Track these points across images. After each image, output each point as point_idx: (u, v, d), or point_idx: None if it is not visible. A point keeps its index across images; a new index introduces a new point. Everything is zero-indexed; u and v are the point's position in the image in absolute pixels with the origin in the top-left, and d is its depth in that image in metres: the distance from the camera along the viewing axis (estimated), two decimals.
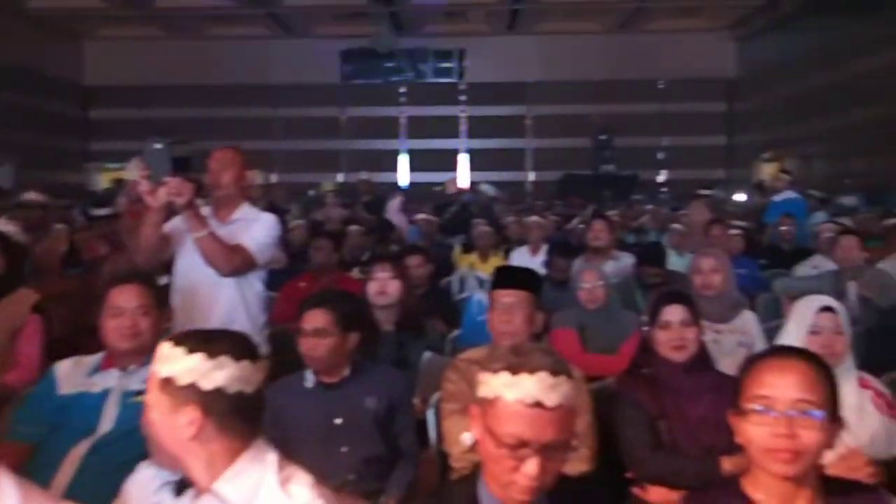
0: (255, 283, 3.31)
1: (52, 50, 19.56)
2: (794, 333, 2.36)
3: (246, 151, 3.52)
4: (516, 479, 1.31)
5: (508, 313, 2.49)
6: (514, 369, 1.33)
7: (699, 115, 22.24)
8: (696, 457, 2.29)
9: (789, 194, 8.03)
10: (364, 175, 12.48)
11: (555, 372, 1.33)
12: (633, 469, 2.35)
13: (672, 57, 21.53)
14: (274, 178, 20.08)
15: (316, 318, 2.51)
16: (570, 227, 7.91)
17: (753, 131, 20.98)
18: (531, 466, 1.29)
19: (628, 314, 3.77)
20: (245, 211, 3.30)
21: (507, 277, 2.64)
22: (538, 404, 1.30)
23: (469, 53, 22.27)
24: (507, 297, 2.51)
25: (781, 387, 1.35)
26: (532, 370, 1.33)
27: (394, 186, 16.14)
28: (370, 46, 20.90)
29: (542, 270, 5.36)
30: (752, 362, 1.47)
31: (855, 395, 2.26)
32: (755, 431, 1.36)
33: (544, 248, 5.85)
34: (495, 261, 6.42)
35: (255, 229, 3.23)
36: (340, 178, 19.96)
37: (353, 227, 6.54)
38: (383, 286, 3.49)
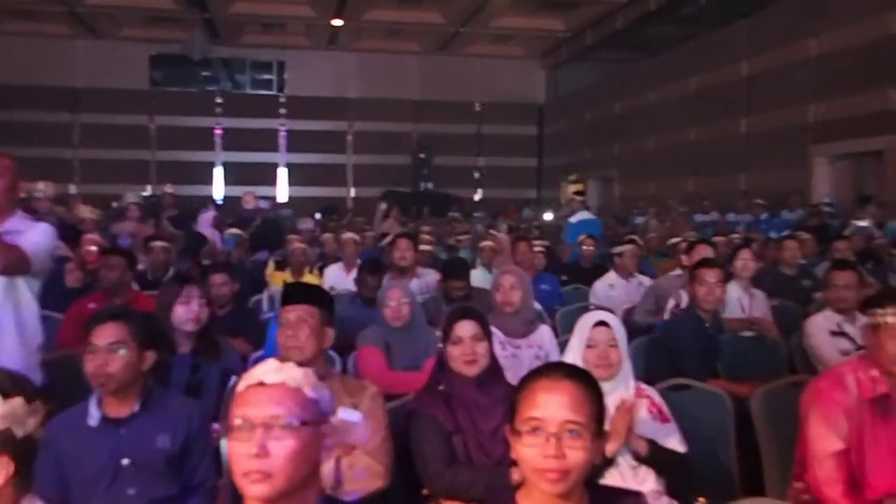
0: (25, 295, 2.96)
1: None
2: (575, 348, 2.52)
3: (41, 160, 3.20)
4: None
5: (293, 329, 2.44)
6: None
7: (512, 138, 23.36)
8: (489, 470, 2.36)
9: (584, 215, 8.57)
10: (168, 188, 11.79)
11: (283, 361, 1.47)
12: (428, 485, 2.38)
13: (488, 81, 22.50)
14: (73, 189, 18.64)
15: (108, 332, 2.30)
16: (383, 244, 7.97)
17: (560, 154, 22.34)
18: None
19: (433, 331, 3.82)
20: (16, 223, 2.96)
21: (293, 293, 2.59)
22: (260, 384, 1.40)
23: (289, 66, 21.95)
24: (293, 312, 2.47)
25: (552, 408, 1.39)
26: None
27: (208, 200, 15.51)
28: (182, 53, 20.01)
29: (348, 287, 5.37)
30: (526, 381, 1.49)
31: (629, 403, 2.44)
32: (527, 452, 1.40)
33: (352, 265, 5.85)
34: (310, 278, 6.32)
35: (30, 234, 2.92)
36: (149, 189, 18.81)
37: (157, 243, 6.17)
38: (189, 310, 3.24)
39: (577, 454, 1.37)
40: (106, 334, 2.32)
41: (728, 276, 4.00)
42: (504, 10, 17.75)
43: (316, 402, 1.44)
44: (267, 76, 22.11)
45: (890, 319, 2.16)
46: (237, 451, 1.36)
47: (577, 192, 9.28)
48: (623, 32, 17.69)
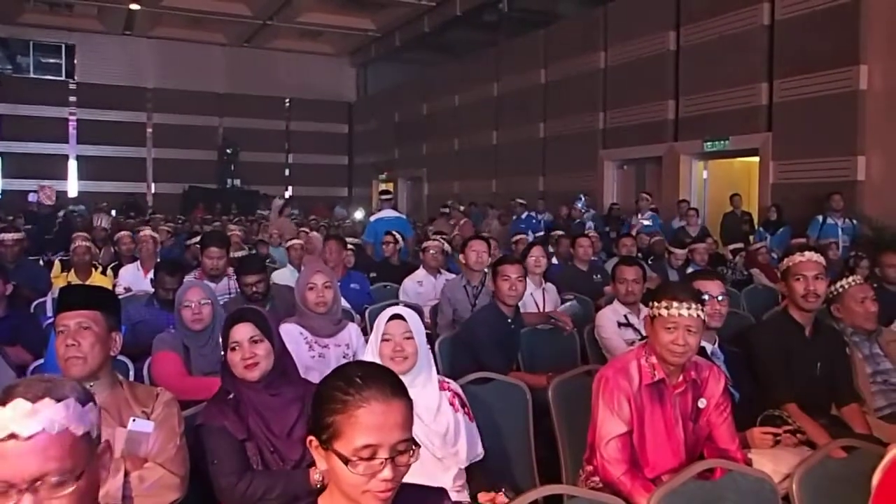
0: None
1: None
2: (372, 343, 2.54)
3: None
4: None
5: (74, 337, 2.24)
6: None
7: (323, 135, 23.16)
8: (286, 474, 2.30)
9: (387, 213, 8.67)
10: None
11: (35, 397, 1.19)
12: (222, 498, 2.29)
13: (297, 77, 22.12)
14: None
15: None
16: (190, 243, 7.58)
17: (371, 152, 22.47)
18: None
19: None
20: None
21: (71, 297, 2.34)
22: (12, 436, 1.16)
23: (79, 50, 20.28)
24: (72, 319, 2.24)
25: (385, 432, 1.32)
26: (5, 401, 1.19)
27: None
28: None
29: (144, 289, 5.06)
30: (344, 399, 1.35)
31: (434, 396, 2.49)
32: (353, 479, 1.32)
33: (150, 265, 5.52)
34: (100, 279, 5.88)
35: None
36: None
37: None
38: None
39: (405, 470, 1.35)
40: None
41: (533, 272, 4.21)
42: (312, 5, 17.56)
43: (88, 435, 1.23)
44: (54, 60, 20.30)
45: (663, 312, 2.35)
46: None
47: (383, 192, 9.35)
48: (430, 35, 18.14)
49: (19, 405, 1.17)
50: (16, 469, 1.15)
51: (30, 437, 1.16)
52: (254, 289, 4.24)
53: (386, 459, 1.31)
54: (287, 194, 14.95)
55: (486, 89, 16.79)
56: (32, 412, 1.18)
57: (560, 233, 8.15)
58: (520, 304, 3.93)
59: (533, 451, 2.94)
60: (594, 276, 5.96)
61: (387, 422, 1.33)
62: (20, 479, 1.15)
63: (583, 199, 12.08)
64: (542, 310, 4.63)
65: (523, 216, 11.87)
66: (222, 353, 2.49)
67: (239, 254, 6.49)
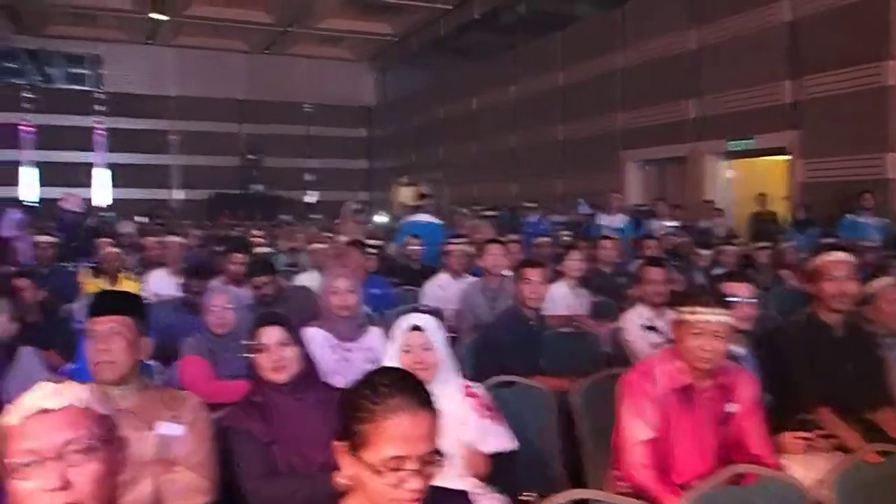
0: None
1: None
2: (392, 353, 2.52)
3: None
4: None
5: (105, 342, 2.27)
6: None
7: (343, 140, 23.25)
8: (310, 477, 2.31)
9: (422, 217, 8.60)
10: None
11: (58, 383, 1.34)
12: (248, 501, 2.30)
13: (317, 82, 22.22)
14: None
15: None
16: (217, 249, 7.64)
17: (389, 157, 22.51)
18: None
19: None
20: None
21: (103, 303, 2.38)
22: (43, 411, 1.28)
23: (105, 61, 20.53)
24: (103, 324, 2.26)
25: (413, 443, 1.32)
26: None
27: (14, 201, 14.25)
28: None
29: (171, 294, 5.10)
30: (372, 409, 1.35)
31: (457, 403, 2.48)
32: (380, 487, 1.32)
33: (175, 271, 5.57)
34: (129, 285, 5.94)
35: None
36: None
37: None
38: None
39: (431, 479, 1.36)
40: None
41: (555, 275, 4.19)
42: (331, 11, 17.63)
43: (109, 417, 1.35)
44: (81, 70, 20.57)
45: (690, 317, 2.31)
46: (32, 491, 1.23)
47: (423, 195, 9.32)
48: (447, 39, 18.15)
49: (46, 387, 1.30)
50: (45, 439, 1.25)
51: (60, 410, 1.27)
52: (262, 291, 4.29)
53: (413, 470, 1.32)
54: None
55: (504, 92, 16.77)
56: (59, 391, 1.30)
57: (568, 234, 8.02)
58: (553, 306, 3.92)
59: (559, 455, 2.93)
60: (618, 279, 5.90)
61: (414, 433, 1.33)
62: (50, 448, 1.24)
63: (582, 202, 12.00)
64: (574, 314, 4.60)
65: (534, 219, 11.76)
66: (248, 356, 2.51)
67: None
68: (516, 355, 3.48)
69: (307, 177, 22.62)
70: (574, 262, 4.83)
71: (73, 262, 7.62)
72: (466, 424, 2.45)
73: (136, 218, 12.59)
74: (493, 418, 2.54)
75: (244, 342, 3.50)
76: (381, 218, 15.65)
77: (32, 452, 1.24)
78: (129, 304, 2.40)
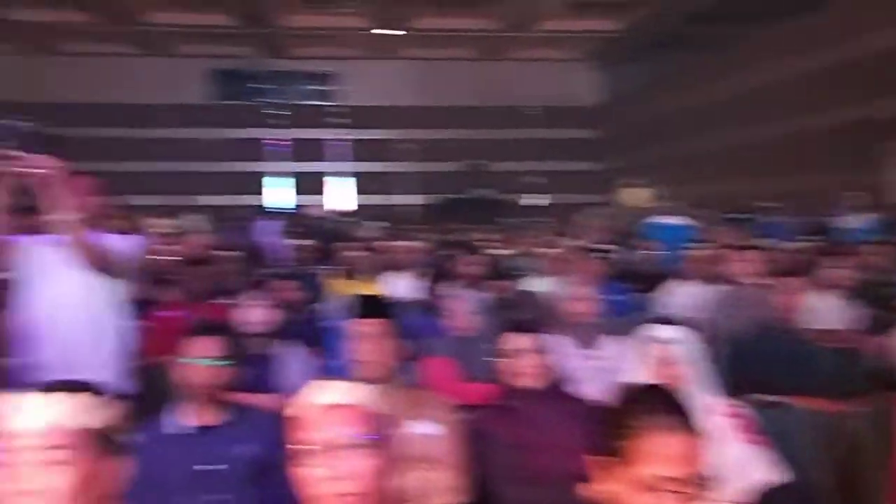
0: (121, 302, 3.12)
1: None
2: (637, 366, 2.37)
3: (106, 173, 3.34)
4: None
5: (371, 343, 2.41)
6: None
7: (567, 141, 23.16)
8: (555, 486, 2.28)
9: (668, 219, 8.24)
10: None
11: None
12: (493, 503, 2.33)
13: (538, 84, 22.33)
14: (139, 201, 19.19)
15: (206, 345, 2.41)
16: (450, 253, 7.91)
17: (614, 157, 22.02)
18: None
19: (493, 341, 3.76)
20: (105, 236, 3.10)
21: (370, 306, 2.57)
22: (334, 406, 1.40)
23: (344, 76, 22.18)
24: (369, 326, 2.44)
25: (675, 463, 1.31)
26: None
27: (260, 209, 15.80)
28: (242, 68, 20.46)
29: (412, 297, 5.33)
30: (634, 426, 1.35)
31: (716, 424, 2.31)
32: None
33: (415, 274, 5.81)
34: (372, 288, 6.29)
35: (114, 239, 3.08)
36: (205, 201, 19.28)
37: (224, 253, 6.23)
38: (261, 314, 3.41)
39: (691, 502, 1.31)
40: (204, 347, 2.41)
41: (818, 285, 3.83)
42: (554, 12, 17.63)
43: (386, 416, 1.45)
44: (323, 87, 22.41)
45: None
46: (319, 477, 1.35)
47: (661, 195, 9.00)
48: (672, 32, 17.38)
49: (335, 384, 1.45)
50: (335, 432, 1.37)
51: (350, 406, 1.40)
52: (499, 295, 4.37)
53: (674, 492, 1.29)
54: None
55: (737, 83, 15.71)
56: (347, 388, 1.44)
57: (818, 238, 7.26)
58: (816, 318, 3.60)
59: (833, 489, 2.64)
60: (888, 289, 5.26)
61: (676, 454, 1.31)
62: (339, 440, 1.37)
63: (844, 202, 10.77)
64: (840, 327, 4.18)
65: (777, 221, 10.82)
66: (496, 360, 2.53)
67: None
68: (777, 372, 3.21)
69: (530, 180, 22.82)
70: (840, 270, 4.37)
71: (321, 264, 8.26)
72: (727, 448, 2.28)
73: (373, 223, 13.41)
74: (759, 443, 2.35)
75: (490, 346, 3.60)
76: (611, 221, 15.31)
77: (323, 442, 1.35)
78: (390, 309, 2.58)
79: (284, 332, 3.83)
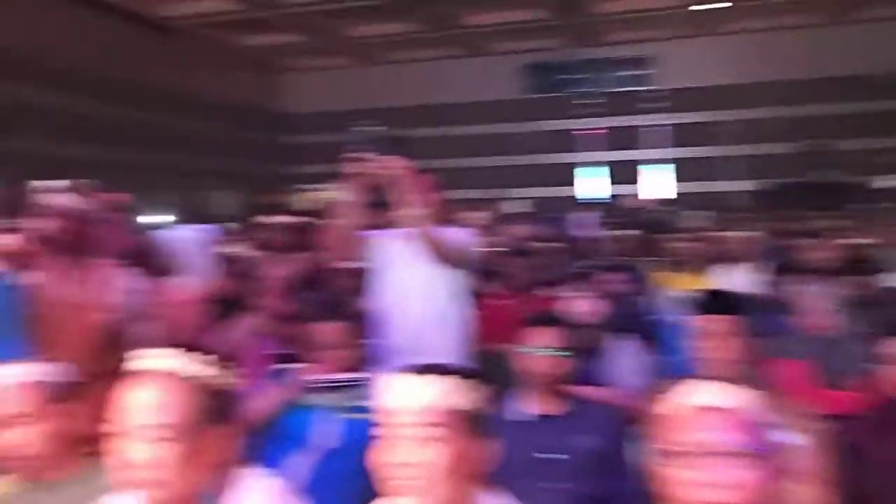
0: (463, 290, 3.31)
1: (257, 83, 21.39)
2: None
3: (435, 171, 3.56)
4: None
5: (722, 341, 2.27)
6: None
7: None
8: None
9: None
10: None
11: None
12: None
13: (887, 48, 19.32)
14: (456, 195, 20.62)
15: (545, 336, 2.51)
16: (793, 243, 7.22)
17: None
18: None
19: (860, 344, 3.30)
20: (446, 230, 3.34)
21: (718, 302, 2.42)
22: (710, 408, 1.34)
23: (657, 60, 21.44)
24: (719, 323, 2.30)
25: None
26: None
27: (572, 201, 15.87)
28: (554, 60, 20.82)
29: (751, 291, 4.92)
30: None
31: None
32: None
33: (752, 266, 5.37)
34: (701, 280, 5.95)
35: (451, 232, 3.28)
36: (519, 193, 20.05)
37: (545, 245, 6.33)
38: (589, 305, 3.54)
39: None
40: (544, 337, 2.51)
41: None
42: None
43: (768, 429, 1.35)
44: (638, 72, 21.94)
45: None
46: (691, 479, 1.29)
47: None
48: None
49: (713, 385, 1.37)
50: (716, 435, 1.30)
51: (729, 410, 1.32)
52: (864, 291, 3.90)
53: None
54: None
55: None
56: (727, 391, 1.35)
57: None
58: None
59: None
60: None
61: None
62: (720, 445, 1.29)
63: None
64: None
65: None
66: (867, 365, 2.36)
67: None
68: None
69: (884, 159, 19.90)
70: None
71: (639, 256, 8.03)
72: None
73: (695, 212, 12.76)
74: None
75: (855, 349, 3.17)
76: None
77: (701, 445, 1.29)
78: (742, 305, 2.42)
79: (614, 325, 3.78)
